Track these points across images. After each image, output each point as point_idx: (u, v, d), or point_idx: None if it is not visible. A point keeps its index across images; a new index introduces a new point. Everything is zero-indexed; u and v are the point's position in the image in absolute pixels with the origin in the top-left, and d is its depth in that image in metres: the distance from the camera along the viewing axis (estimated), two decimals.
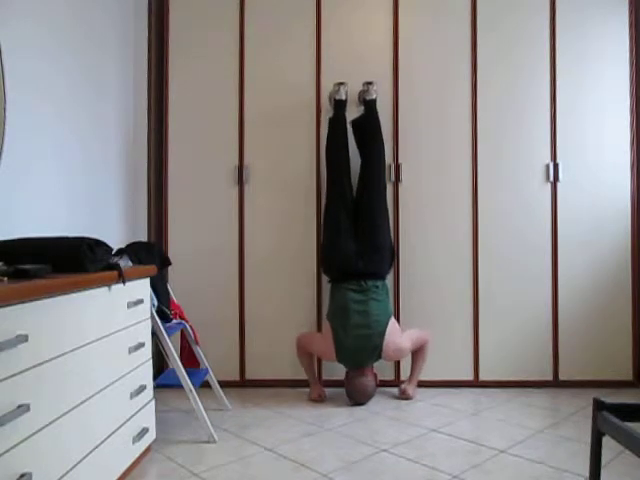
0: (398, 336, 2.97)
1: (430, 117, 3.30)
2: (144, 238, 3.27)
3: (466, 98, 3.29)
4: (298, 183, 3.33)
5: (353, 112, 3.25)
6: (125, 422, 1.97)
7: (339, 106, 3.19)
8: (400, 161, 3.30)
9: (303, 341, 3.11)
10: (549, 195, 3.27)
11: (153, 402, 2.26)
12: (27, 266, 1.53)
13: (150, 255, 2.52)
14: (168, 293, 2.74)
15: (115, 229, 3.06)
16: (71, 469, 1.58)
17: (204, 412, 2.45)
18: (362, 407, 2.93)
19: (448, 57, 3.30)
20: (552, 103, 3.27)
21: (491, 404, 2.96)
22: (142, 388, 2.11)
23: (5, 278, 1.44)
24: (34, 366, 1.41)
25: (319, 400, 3.06)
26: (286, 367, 3.31)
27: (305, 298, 3.32)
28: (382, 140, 3.18)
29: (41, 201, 2.34)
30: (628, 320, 3.23)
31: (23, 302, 1.37)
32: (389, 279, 3.18)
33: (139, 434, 2.07)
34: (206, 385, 2.87)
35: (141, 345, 2.12)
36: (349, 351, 2.92)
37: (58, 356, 1.53)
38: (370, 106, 3.18)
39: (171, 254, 3.23)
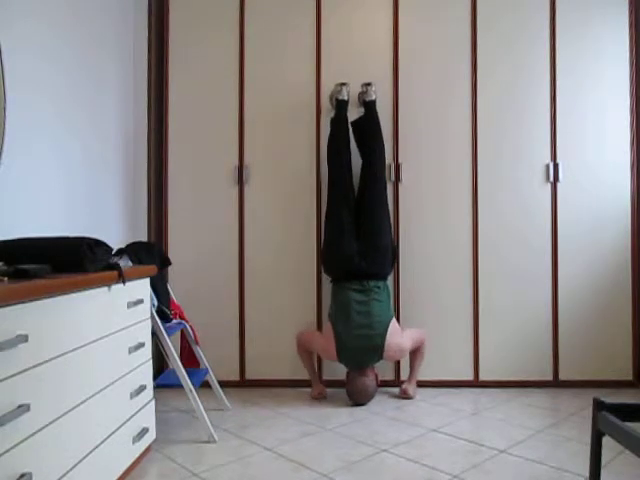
0: (399, 336, 2.97)
1: (430, 117, 3.30)
2: (144, 238, 3.27)
3: (466, 98, 3.29)
4: (298, 183, 3.33)
5: (353, 113, 3.25)
6: (125, 422, 1.97)
7: (341, 106, 3.19)
8: (400, 161, 3.30)
9: (303, 339, 3.11)
10: (549, 195, 3.27)
11: (153, 402, 2.26)
12: (27, 266, 1.53)
13: (150, 255, 2.52)
14: (168, 293, 2.74)
15: (115, 229, 3.06)
16: (71, 469, 1.58)
17: (204, 412, 2.45)
18: (362, 407, 2.93)
19: (448, 57, 3.30)
20: (552, 103, 3.27)
21: (491, 404, 2.96)
22: (142, 388, 2.11)
23: (5, 278, 1.44)
24: (34, 366, 1.41)
25: (320, 398, 3.06)
26: (286, 367, 3.31)
27: (305, 298, 3.32)
28: (382, 140, 3.18)
29: (41, 201, 2.34)
30: (628, 320, 3.23)
31: (23, 302, 1.37)
32: (389, 279, 3.18)
33: (139, 434, 2.07)
34: (206, 385, 2.87)
35: (141, 345, 2.12)
36: (351, 351, 2.93)
37: (58, 356, 1.53)
38: (370, 107, 3.18)
39: (171, 254, 3.24)
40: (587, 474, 1.51)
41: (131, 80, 3.28)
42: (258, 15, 3.34)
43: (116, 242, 2.80)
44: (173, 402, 3.00)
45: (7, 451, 1.29)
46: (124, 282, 1.92)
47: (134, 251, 2.40)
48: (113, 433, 1.86)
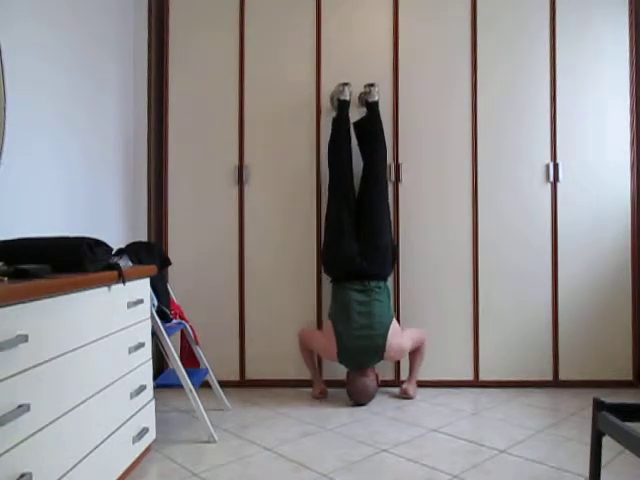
0: (400, 337, 2.97)
1: (430, 117, 3.30)
2: (144, 238, 3.27)
3: (466, 98, 3.29)
4: (298, 183, 3.33)
5: (354, 113, 3.24)
6: (125, 422, 1.97)
7: (343, 106, 3.18)
8: (400, 161, 3.30)
9: (305, 337, 3.11)
10: (549, 195, 3.27)
11: (153, 402, 2.26)
12: (27, 266, 1.53)
13: (150, 255, 2.52)
14: (168, 293, 2.74)
15: (115, 229, 3.06)
16: (71, 469, 1.58)
17: (204, 412, 2.45)
18: (362, 407, 2.93)
19: (448, 57, 3.30)
20: (552, 103, 3.27)
21: (491, 404, 2.96)
22: (142, 388, 2.11)
23: (5, 278, 1.44)
24: (34, 366, 1.41)
25: (321, 397, 3.06)
26: (286, 367, 3.31)
27: (305, 298, 3.32)
28: (384, 142, 3.18)
29: (41, 201, 2.34)
30: (628, 320, 3.23)
31: (23, 302, 1.36)
32: (389, 279, 3.18)
33: (139, 434, 2.07)
34: (206, 385, 2.87)
35: (141, 345, 2.12)
36: (351, 352, 2.92)
37: (58, 356, 1.53)
38: (372, 107, 3.18)
39: (171, 254, 3.24)
40: (587, 474, 1.51)
41: (131, 80, 3.28)
42: (258, 15, 3.34)
43: (116, 242, 2.80)
44: (173, 402, 3.00)
45: (7, 451, 1.29)
46: (124, 282, 1.92)
47: (134, 251, 2.40)
48: (113, 433, 1.86)
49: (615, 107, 3.25)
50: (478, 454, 2.29)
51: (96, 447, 1.74)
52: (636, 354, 3.23)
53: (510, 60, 3.28)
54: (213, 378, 2.87)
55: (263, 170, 3.34)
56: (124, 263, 2.20)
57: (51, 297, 1.50)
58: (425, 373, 3.22)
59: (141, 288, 2.17)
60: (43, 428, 1.44)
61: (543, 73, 3.27)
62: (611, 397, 2.92)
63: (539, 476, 2.07)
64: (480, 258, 3.27)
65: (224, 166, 3.35)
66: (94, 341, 1.75)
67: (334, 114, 3.22)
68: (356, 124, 3.22)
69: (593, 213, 3.25)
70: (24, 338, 1.34)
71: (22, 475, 1.33)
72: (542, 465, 2.17)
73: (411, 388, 3.08)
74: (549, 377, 3.26)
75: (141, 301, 2.14)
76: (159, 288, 2.55)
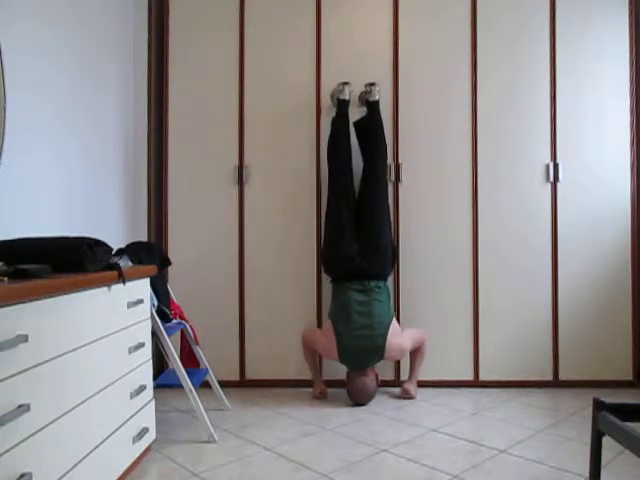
0: (400, 336, 2.97)
1: (430, 117, 3.30)
2: (144, 238, 3.27)
3: (466, 98, 3.29)
4: (298, 183, 3.33)
5: (354, 113, 3.24)
6: (125, 422, 1.97)
7: (342, 106, 3.18)
8: (400, 161, 3.30)
9: (308, 337, 3.11)
10: (549, 195, 3.27)
11: (153, 402, 2.26)
12: (27, 266, 1.53)
13: (150, 255, 2.52)
14: (168, 293, 2.74)
15: (115, 229, 3.06)
16: (71, 469, 1.58)
17: (204, 412, 2.45)
18: (362, 407, 2.93)
19: (448, 57, 3.30)
20: (552, 103, 3.27)
21: (491, 404, 2.96)
22: (142, 388, 2.11)
23: (5, 278, 1.44)
24: (34, 366, 1.41)
25: (321, 397, 3.06)
26: (286, 367, 3.31)
27: (305, 298, 3.32)
28: (385, 141, 3.18)
29: (41, 201, 2.34)
30: (628, 320, 3.23)
31: (23, 302, 1.37)
32: (389, 279, 3.18)
33: (139, 434, 2.07)
34: (206, 385, 2.87)
35: (141, 345, 2.12)
36: (351, 352, 2.92)
37: (58, 356, 1.53)
38: (373, 107, 3.18)
39: (171, 254, 3.24)
40: (587, 474, 1.51)
41: (131, 80, 3.28)
42: (258, 15, 3.34)
43: (116, 242, 2.80)
44: (173, 402, 3.00)
45: (7, 451, 1.29)
46: (124, 282, 1.92)
47: (134, 251, 2.40)
48: (113, 433, 1.86)
49: (615, 107, 3.25)
50: (478, 454, 2.29)
51: (96, 447, 1.74)
52: (636, 354, 3.23)
53: (510, 60, 3.28)
54: (213, 378, 2.87)
55: (263, 170, 3.34)
56: (124, 263, 2.20)
57: (51, 297, 1.50)
58: (425, 373, 3.22)
59: (141, 288, 2.17)
60: (43, 428, 1.44)
61: (543, 73, 3.27)
62: (611, 397, 2.92)
63: (539, 476, 2.07)
64: (480, 258, 3.27)
65: (224, 166, 3.35)
66: (94, 341, 1.75)
67: (333, 113, 3.22)
68: (356, 123, 3.22)
69: (593, 213, 3.25)
70: (24, 338, 1.34)
71: (22, 475, 1.33)
72: (542, 465, 2.17)
73: (412, 388, 3.08)
74: (549, 377, 3.26)
75: (141, 301, 2.14)
76: (159, 288, 2.55)
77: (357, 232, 3.10)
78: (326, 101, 3.31)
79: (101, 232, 2.69)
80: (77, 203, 2.65)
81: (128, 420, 1.99)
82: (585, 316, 3.25)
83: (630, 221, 3.24)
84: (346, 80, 3.22)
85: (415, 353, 3.12)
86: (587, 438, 1.56)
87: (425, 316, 3.27)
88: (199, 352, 2.86)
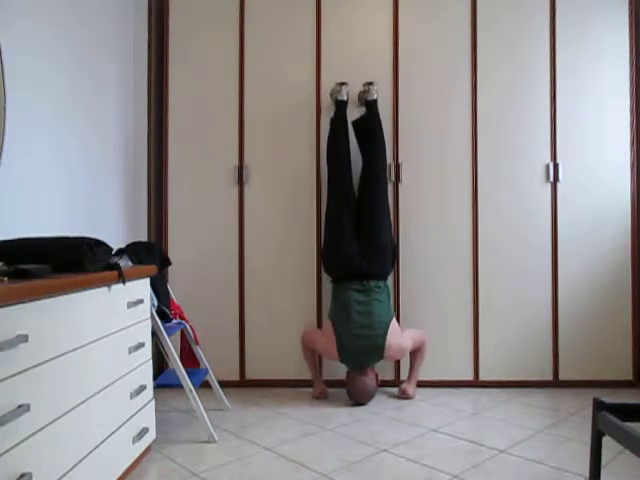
0: (399, 336, 2.98)
1: (430, 117, 3.30)
2: (144, 238, 3.27)
3: (466, 98, 3.29)
4: (298, 183, 3.33)
5: (353, 112, 3.25)
6: (125, 422, 1.97)
7: (340, 106, 3.19)
8: (400, 161, 3.30)
9: (307, 338, 3.12)
10: (549, 195, 3.27)
11: (153, 402, 2.26)
12: (27, 266, 1.53)
13: (150, 255, 2.52)
14: (168, 293, 2.74)
15: (115, 229, 3.06)
16: (71, 469, 1.58)
17: (204, 412, 2.45)
18: (362, 407, 2.93)
19: (448, 57, 3.30)
20: (552, 103, 3.27)
21: (491, 404, 2.96)
22: (142, 388, 2.11)
23: (5, 278, 1.44)
24: (34, 366, 1.41)
25: (321, 397, 3.06)
26: (286, 367, 3.31)
27: (305, 298, 3.32)
28: (383, 140, 3.18)
29: (41, 201, 2.34)
30: (628, 320, 3.23)
31: (23, 302, 1.36)
32: (389, 279, 3.18)
33: (139, 434, 2.07)
34: (206, 385, 2.87)
35: (141, 345, 2.12)
36: (351, 352, 2.93)
37: (58, 356, 1.53)
38: (371, 106, 3.18)
39: (171, 254, 3.24)
40: (587, 474, 1.51)
41: (131, 80, 3.28)
42: (258, 15, 3.34)
43: (116, 242, 2.80)
44: (173, 402, 3.00)
45: (7, 451, 1.29)
46: (124, 282, 1.92)
47: (134, 251, 2.40)
48: (113, 433, 1.86)
49: (615, 107, 3.25)
50: (478, 454, 2.29)
51: (96, 447, 1.74)
52: (636, 354, 3.23)
53: (510, 60, 3.28)
54: (213, 378, 2.87)
55: (263, 170, 3.34)
56: (124, 263, 2.20)
57: (51, 297, 1.50)
58: (425, 373, 3.22)
59: (141, 288, 2.17)
60: (43, 428, 1.44)
61: (543, 73, 3.27)
62: (611, 397, 2.91)
63: (539, 476, 2.07)
64: (480, 258, 3.27)
65: (224, 166, 3.35)
66: (94, 341, 1.75)
67: (332, 114, 3.22)
68: (355, 123, 3.23)
69: (593, 213, 3.25)
70: (24, 338, 1.34)
71: (22, 475, 1.33)
72: (542, 465, 2.17)
73: (410, 388, 3.08)
74: (549, 377, 3.26)
75: (141, 301, 2.14)
76: (159, 288, 2.55)
77: (357, 232, 3.10)
78: (326, 101, 3.31)
79: (101, 232, 2.69)
80: (77, 203, 2.65)
81: (128, 420, 1.99)
82: (585, 316, 3.25)
83: (630, 221, 3.24)
84: (344, 80, 3.22)
85: (415, 353, 3.12)
86: (587, 438, 1.56)
87: (425, 316, 3.28)
88: (199, 352, 2.86)
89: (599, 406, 1.40)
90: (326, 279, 3.25)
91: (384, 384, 3.21)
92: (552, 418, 2.73)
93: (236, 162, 3.34)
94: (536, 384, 3.25)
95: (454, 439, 2.46)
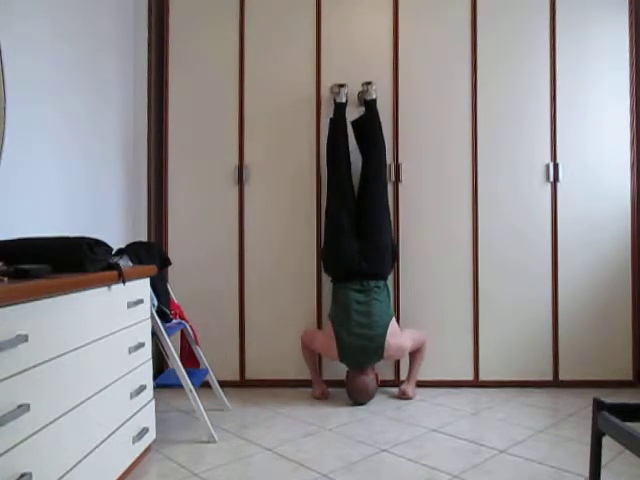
0: (399, 336, 2.98)
1: (430, 117, 3.30)
2: (144, 238, 3.27)
3: (466, 98, 3.29)
4: (298, 183, 3.33)
5: (353, 112, 3.25)
6: (125, 422, 1.97)
7: (339, 108, 3.19)
8: (400, 161, 3.30)
9: (306, 338, 3.12)
10: (549, 195, 3.27)
11: (153, 402, 2.26)
12: (27, 266, 1.53)
13: (150, 255, 2.52)
14: (168, 293, 2.74)
15: (115, 229, 3.06)
16: (71, 469, 1.58)
17: (204, 412, 2.45)
18: (362, 407, 2.93)
19: (448, 57, 3.30)
20: (552, 103, 3.27)
21: (491, 404, 2.96)
22: (142, 388, 2.11)
23: (5, 278, 1.44)
24: (34, 366, 1.41)
25: (322, 398, 3.06)
26: (286, 367, 3.31)
27: (305, 298, 3.32)
28: (383, 140, 3.18)
29: (41, 201, 2.34)
30: (628, 320, 3.23)
31: (23, 302, 1.37)
32: (389, 279, 3.18)
33: (139, 434, 2.07)
34: (206, 385, 2.87)
35: (141, 345, 2.12)
36: (351, 351, 2.93)
37: (58, 356, 1.53)
38: (370, 106, 3.19)
39: (171, 254, 3.24)
40: (587, 474, 1.51)
41: (131, 80, 3.28)
42: (258, 15, 3.34)
43: (116, 242, 2.80)
44: (173, 402, 3.00)
45: (7, 451, 1.29)
46: (124, 282, 1.92)
47: (134, 251, 2.40)
48: (113, 433, 1.86)
49: (615, 107, 3.25)
50: (478, 454, 2.29)
51: (96, 447, 1.74)
52: (636, 354, 3.23)
53: (510, 60, 3.28)
54: (213, 378, 2.87)
55: (263, 170, 3.34)
56: (124, 263, 2.20)
57: (51, 297, 1.50)
58: (425, 373, 3.22)
59: (141, 288, 2.17)
60: (43, 428, 1.44)
61: (543, 73, 3.27)
62: (611, 397, 2.93)
63: (539, 476, 2.07)
64: (480, 258, 3.27)
65: (224, 166, 3.35)
66: (94, 341, 1.75)
67: (331, 114, 3.22)
68: (354, 123, 3.23)
69: (593, 213, 3.25)
70: (24, 338, 1.34)
71: (22, 475, 1.33)
72: (542, 465, 2.17)
73: (410, 389, 3.08)
74: (549, 377, 3.26)
75: (141, 301, 2.14)
76: (159, 288, 2.55)
77: (357, 232, 3.10)
78: (326, 101, 3.31)
79: (101, 232, 2.69)
80: (77, 203, 2.65)
81: (128, 420, 1.99)
82: (585, 316, 3.25)
83: (630, 221, 3.24)
84: (343, 81, 3.22)
85: (415, 354, 3.12)
86: (587, 438, 1.56)
87: (425, 316, 3.28)
88: (199, 352, 2.86)
89: (599, 406, 1.40)
90: (326, 279, 3.25)
91: (384, 384, 3.21)
92: (552, 418, 2.73)
93: (236, 162, 3.34)
94: (536, 384, 3.25)
95: (454, 439, 2.46)
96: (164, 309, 2.53)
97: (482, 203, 3.28)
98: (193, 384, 2.46)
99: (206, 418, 2.44)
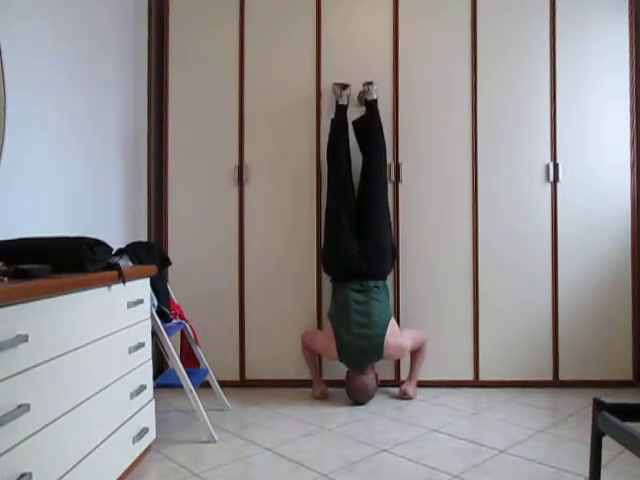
0: (398, 335, 2.98)
1: (430, 117, 3.30)
2: (144, 238, 3.27)
3: (466, 98, 3.29)
4: (298, 182, 3.33)
5: (354, 112, 3.25)
6: (125, 422, 1.97)
7: (341, 109, 3.20)
8: (400, 161, 3.30)
9: (306, 339, 3.12)
10: (549, 195, 3.27)
11: (153, 402, 2.26)
12: (27, 266, 1.53)
13: (150, 255, 2.52)
14: (168, 293, 2.74)
15: (115, 229, 3.06)
16: (71, 469, 1.58)
17: (204, 412, 2.45)
18: (362, 407, 2.93)
19: (448, 57, 3.30)
20: (552, 103, 3.27)
21: (491, 404, 2.96)
22: (142, 388, 2.11)
23: (5, 278, 1.44)
24: (34, 366, 1.41)
25: (322, 398, 3.06)
26: (286, 367, 3.31)
27: (305, 298, 3.32)
28: (383, 140, 3.19)
29: (41, 201, 2.34)
30: (628, 320, 3.23)
31: (23, 302, 1.37)
32: (389, 279, 3.18)
33: (139, 434, 2.07)
34: (206, 385, 2.87)
35: (141, 345, 2.12)
36: (350, 351, 2.93)
37: (58, 356, 1.53)
38: (371, 106, 3.18)
39: (171, 254, 3.24)
40: (587, 474, 1.51)
41: (131, 80, 3.28)
42: (258, 15, 3.34)
43: (116, 242, 2.80)
44: (173, 402, 3.00)
45: (7, 451, 1.29)
46: (124, 282, 1.92)
47: (134, 251, 2.40)
48: (113, 433, 1.86)
49: (615, 107, 3.25)
50: (478, 454, 2.29)
51: (96, 447, 1.74)
52: (636, 354, 3.23)
53: (510, 60, 3.28)
54: (213, 378, 2.87)
55: (263, 170, 3.34)
56: (124, 263, 2.20)
57: (51, 297, 1.50)
58: (425, 373, 3.22)
59: (141, 288, 2.17)
60: (43, 428, 1.44)
61: (543, 73, 3.27)
62: (611, 397, 2.92)
63: (539, 476, 2.07)
64: (480, 258, 3.27)
65: (224, 166, 3.35)
66: (94, 341, 1.75)
67: (332, 115, 3.22)
68: (355, 123, 3.23)
69: (593, 213, 3.25)
70: (24, 338, 1.34)
71: (22, 475, 1.33)
72: (542, 465, 2.17)
73: (410, 389, 3.08)
74: (549, 377, 3.26)
75: (141, 301, 2.14)
76: (159, 288, 2.55)
77: (357, 231, 3.10)
78: (326, 99, 3.30)
79: (101, 232, 2.69)
80: (77, 203, 2.65)
81: (128, 420, 1.99)
82: (585, 316, 3.25)
83: (630, 221, 3.24)
84: (344, 80, 3.22)
85: (415, 354, 3.12)
86: (587, 438, 1.56)
87: (425, 316, 3.27)
88: (199, 352, 2.86)
89: (599, 406, 1.40)
90: (326, 279, 3.26)
91: (384, 384, 3.21)
92: (552, 418, 2.73)
93: (236, 162, 3.34)
94: (536, 384, 3.25)
95: (454, 439, 2.46)
96: (164, 309, 2.53)
97: (482, 203, 3.28)
98: (193, 384, 2.46)
99: (206, 418, 2.44)
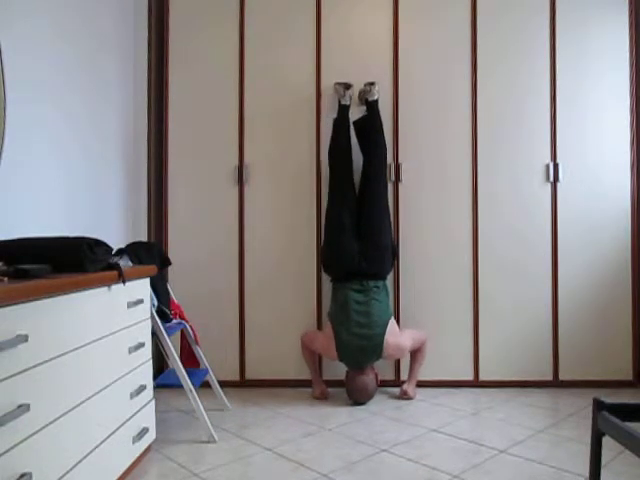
0: (398, 335, 2.98)
1: (430, 117, 3.30)
2: (144, 238, 3.27)
3: (466, 98, 3.29)
4: (298, 182, 3.33)
5: (354, 112, 3.25)
6: (125, 422, 1.97)
7: (343, 109, 3.20)
8: (400, 161, 3.30)
9: (306, 339, 3.12)
10: (549, 195, 3.27)
11: (153, 402, 2.26)
12: (27, 266, 1.53)
13: (150, 255, 2.52)
14: (168, 293, 2.74)
15: (115, 229, 3.06)
16: (71, 469, 1.58)
17: (204, 412, 2.45)
18: (362, 407, 2.93)
19: (448, 57, 3.30)
20: (552, 103, 3.27)
21: (491, 404, 2.96)
22: (142, 388, 2.11)
23: (5, 278, 1.44)
24: (34, 366, 1.41)
25: (322, 398, 3.06)
26: (286, 367, 3.31)
27: (305, 298, 3.32)
28: (384, 141, 3.19)
29: (41, 201, 2.34)
30: (628, 320, 3.23)
31: (23, 302, 1.37)
32: (389, 279, 3.18)
33: (139, 434, 2.07)
34: (206, 385, 2.87)
35: (141, 345, 2.12)
36: (350, 351, 2.93)
37: (58, 356, 1.53)
38: (372, 106, 3.18)
39: (171, 254, 3.24)
40: (587, 474, 1.51)
41: (131, 80, 3.28)
42: (258, 15, 3.34)
43: (116, 242, 2.80)
44: (173, 402, 3.00)
45: (7, 451, 1.29)
46: (124, 282, 1.92)
47: (134, 251, 2.40)
48: (113, 433, 1.86)
49: (615, 107, 3.25)
50: (478, 454, 2.29)
51: (96, 447, 1.74)
52: (636, 354, 3.23)
53: (510, 60, 3.28)
54: (213, 378, 2.88)
55: (263, 170, 3.34)
56: (124, 263, 2.20)
57: (51, 297, 1.50)
58: (425, 373, 3.22)
59: (141, 288, 2.17)
60: (43, 428, 1.44)
61: (543, 73, 3.27)
62: (611, 397, 2.93)
63: (539, 476, 2.07)
64: (480, 258, 3.27)
65: (224, 166, 3.35)
66: (94, 341, 1.75)
67: (335, 115, 3.22)
68: (356, 123, 3.23)
69: (593, 213, 3.25)
70: (24, 338, 1.34)
71: (22, 475, 1.33)
72: (542, 465, 2.17)
73: (411, 389, 3.08)
74: (549, 377, 3.26)
75: (141, 301, 2.14)
76: (159, 288, 2.55)
77: (357, 231, 3.10)
78: (327, 99, 3.30)
79: (101, 232, 2.69)
80: (77, 203, 2.65)
81: (128, 420, 1.99)
82: (585, 316, 3.25)
83: (630, 221, 3.24)
84: (344, 80, 3.22)
85: (415, 354, 3.12)
86: (587, 438, 1.56)
87: (425, 316, 3.27)
88: (199, 352, 2.86)
89: (599, 406, 1.40)
90: (326, 279, 3.26)
91: (384, 384, 3.21)
92: (552, 418, 2.73)
93: (236, 162, 3.34)
94: (536, 384, 3.25)
95: (454, 439, 2.46)
96: (164, 309, 2.53)
97: (482, 203, 3.28)
98: (193, 384, 2.46)
99: (206, 418, 2.44)
